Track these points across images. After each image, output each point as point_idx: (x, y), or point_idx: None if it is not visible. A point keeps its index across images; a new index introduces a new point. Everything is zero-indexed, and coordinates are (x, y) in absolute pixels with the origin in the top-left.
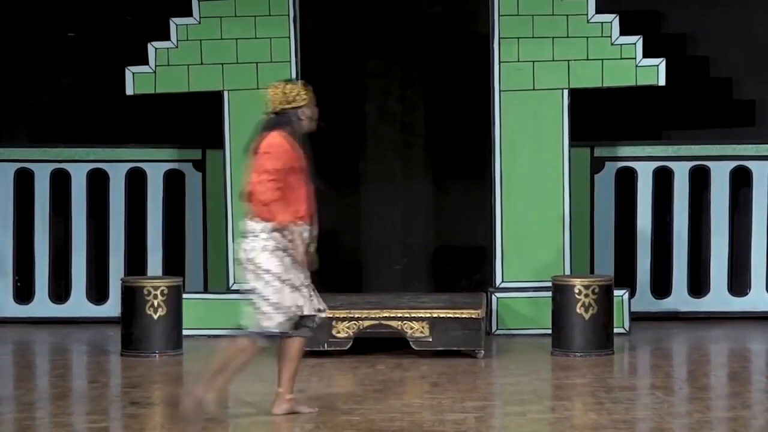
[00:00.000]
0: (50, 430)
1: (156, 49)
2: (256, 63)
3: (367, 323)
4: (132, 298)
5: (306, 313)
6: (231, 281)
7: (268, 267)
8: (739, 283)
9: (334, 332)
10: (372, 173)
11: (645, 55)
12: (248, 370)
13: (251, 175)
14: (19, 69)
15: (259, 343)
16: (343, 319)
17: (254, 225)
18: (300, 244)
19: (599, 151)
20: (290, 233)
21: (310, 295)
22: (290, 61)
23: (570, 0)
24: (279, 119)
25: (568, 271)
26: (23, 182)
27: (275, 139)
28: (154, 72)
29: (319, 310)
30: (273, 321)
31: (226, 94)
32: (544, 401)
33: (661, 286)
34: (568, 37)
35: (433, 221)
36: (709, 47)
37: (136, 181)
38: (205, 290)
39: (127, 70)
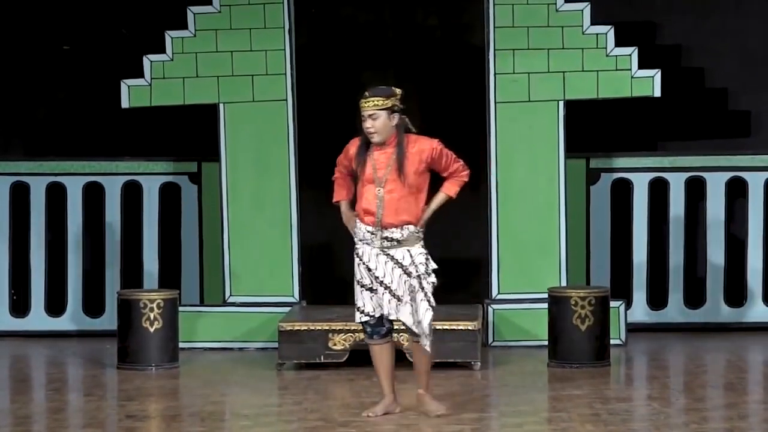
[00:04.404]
0: None
1: (151, 62)
2: (252, 75)
3: (363, 335)
4: (128, 311)
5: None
6: (227, 294)
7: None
8: (735, 294)
9: (330, 344)
10: None
11: (640, 67)
12: (245, 382)
13: None
14: (15, 82)
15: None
16: (340, 332)
17: None
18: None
19: (595, 163)
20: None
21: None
22: (285, 74)
23: (565, 12)
24: None
25: (564, 283)
26: (19, 195)
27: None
28: (150, 85)
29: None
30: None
31: (221, 106)
32: (540, 413)
33: (658, 297)
34: (563, 48)
35: (428, 233)
36: (704, 58)
37: (131, 194)
38: (201, 303)
39: (122, 83)
